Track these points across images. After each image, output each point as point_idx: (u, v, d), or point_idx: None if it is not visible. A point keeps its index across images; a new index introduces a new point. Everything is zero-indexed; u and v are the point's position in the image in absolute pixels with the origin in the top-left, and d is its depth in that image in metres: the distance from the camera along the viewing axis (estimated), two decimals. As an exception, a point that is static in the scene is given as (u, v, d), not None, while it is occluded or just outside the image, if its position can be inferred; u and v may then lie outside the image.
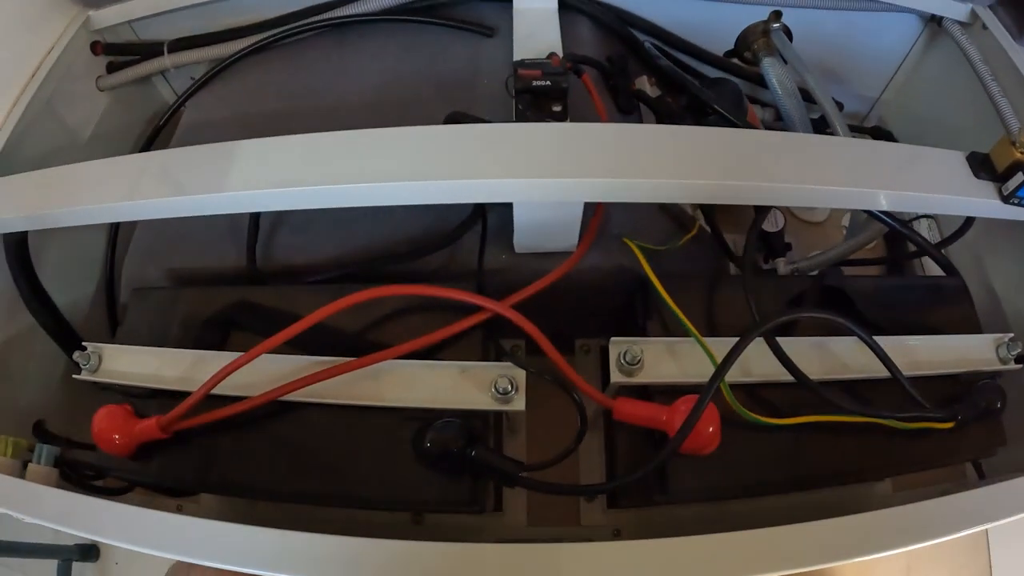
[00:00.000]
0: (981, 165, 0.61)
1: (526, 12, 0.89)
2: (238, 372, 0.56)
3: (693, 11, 1.00)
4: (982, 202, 0.60)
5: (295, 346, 0.59)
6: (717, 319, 0.66)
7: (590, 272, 0.69)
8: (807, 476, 0.61)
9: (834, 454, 0.61)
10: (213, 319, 0.66)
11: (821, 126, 0.89)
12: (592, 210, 0.68)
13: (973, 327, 0.69)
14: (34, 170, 0.67)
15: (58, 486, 0.60)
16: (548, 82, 0.71)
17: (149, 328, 0.68)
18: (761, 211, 0.75)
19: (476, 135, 0.60)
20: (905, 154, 0.63)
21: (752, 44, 0.89)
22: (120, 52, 1.01)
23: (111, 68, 1.01)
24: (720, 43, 0.96)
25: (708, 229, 0.82)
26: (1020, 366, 0.64)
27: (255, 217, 0.74)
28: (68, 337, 0.76)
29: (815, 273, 0.83)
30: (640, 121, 0.88)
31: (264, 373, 0.58)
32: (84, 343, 0.65)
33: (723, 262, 0.83)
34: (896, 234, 0.85)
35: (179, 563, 0.61)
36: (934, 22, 0.97)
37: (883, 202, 0.60)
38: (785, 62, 0.86)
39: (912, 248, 0.91)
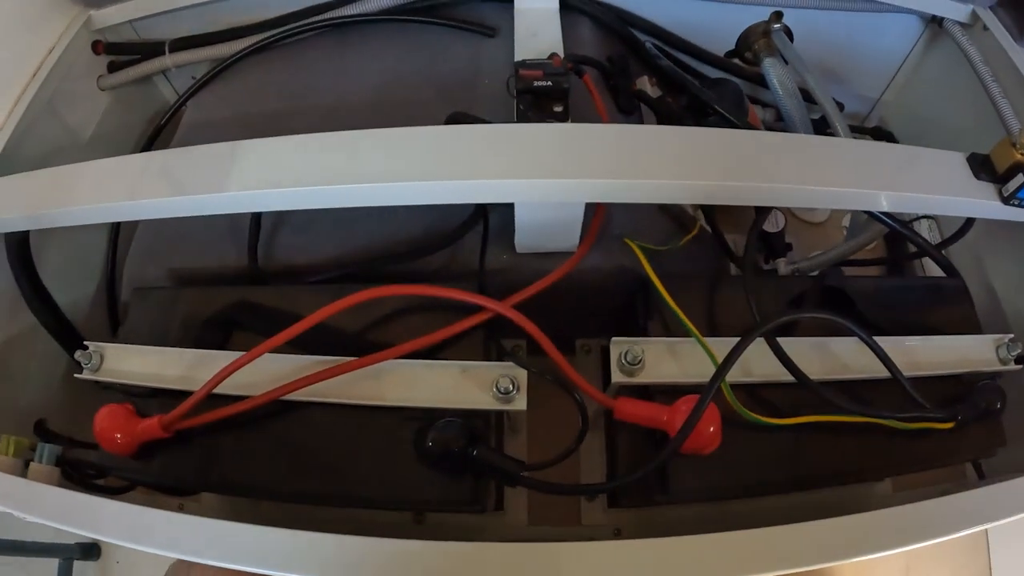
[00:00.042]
0: (981, 166, 0.61)
1: (527, 12, 0.89)
2: (240, 372, 0.56)
3: (694, 11, 1.00)
4: (982, 203, 0.60)
5: (296, 346, 0.58)
6: (718, 319, 0.66)
7: (591, 272, 0.69)
8: (807, 476, 0.61)
9: (834, 454, 0.61)
10: (214, 319, 0.66)
11: (822, 126, 0.89)
12: (593, 210, 0.68)
13: (973, 327, 0.69)
14: (35, 170, 0.67)
15: (60, 485, 0.60)
16: (549, 82, 0.71)
17: (150, 328, 0.68)
18: (762, 211, 0.75)
19: (477, 135, 0.60)
20: (905, 155, 0.63)
21: (753, 44, 0.89)
22: (121, 52, 1.01)
23: (112, 68, 1.01)
24: (721, 43, 0.96)
25: (709, 229, 0.82)
26: (1020, 367, 0.64)
27: (256, 217, 0.74)
28: (69, 336, 0.76)
29: (816, 273, 0.84)
30: (641, 121, 0.88)
31: (265, 373, 0.58)
32: (85, 342, 0.65)
33: (724, 262, 0.83)
34: (896, 235, 0.85)
35: (179, 562, 0.61)
36: (935, 23, 0.97)
37: (884, 203, 0.60)
38: (786, 62, 0.86)
39: (912, 249, 0.91)
